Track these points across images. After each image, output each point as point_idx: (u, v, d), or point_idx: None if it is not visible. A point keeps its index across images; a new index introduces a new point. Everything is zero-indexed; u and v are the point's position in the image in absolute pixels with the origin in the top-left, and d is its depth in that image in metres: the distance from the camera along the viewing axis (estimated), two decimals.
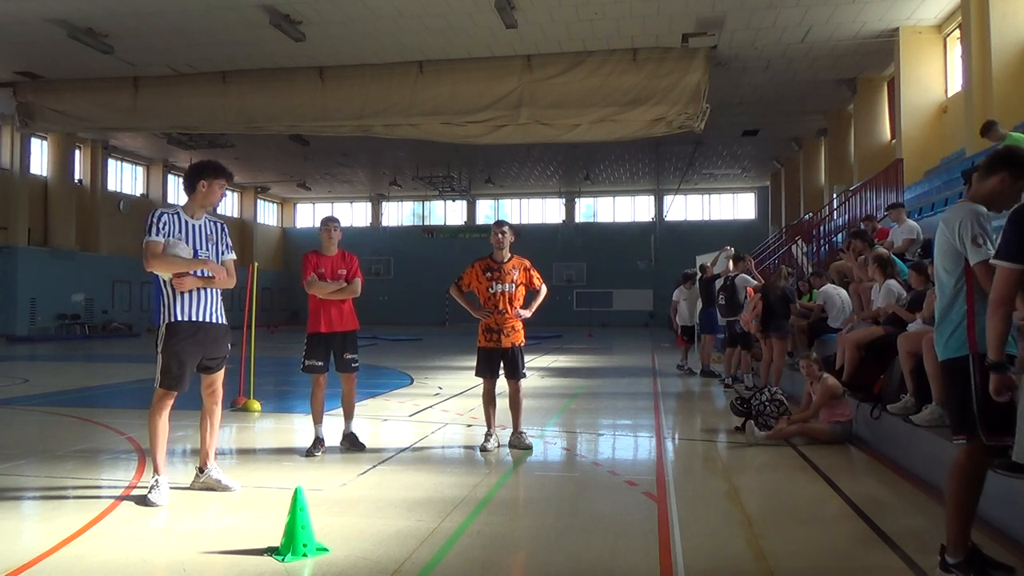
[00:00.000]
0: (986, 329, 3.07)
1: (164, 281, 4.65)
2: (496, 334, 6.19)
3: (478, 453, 6.12)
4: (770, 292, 9.45)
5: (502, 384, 6.34)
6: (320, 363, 6.12)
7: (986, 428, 3.12)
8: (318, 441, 6.05)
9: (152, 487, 4.52)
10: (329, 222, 6.29)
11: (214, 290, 4.78)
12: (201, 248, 4.71)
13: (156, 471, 4.60)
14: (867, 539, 3.94)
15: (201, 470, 4.85)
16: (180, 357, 4.60)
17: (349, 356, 6.20)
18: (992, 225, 3.23)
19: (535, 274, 6.37)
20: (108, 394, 10.64)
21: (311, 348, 6.14)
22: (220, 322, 4.81)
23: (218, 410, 4.91)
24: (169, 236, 4.60)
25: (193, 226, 4.73)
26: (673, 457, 6.21)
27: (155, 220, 4.62)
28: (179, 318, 4.61)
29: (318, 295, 6.09)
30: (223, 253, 4.85)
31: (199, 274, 4.67)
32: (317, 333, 6.12)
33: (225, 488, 4.76)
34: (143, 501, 4.46)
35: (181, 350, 4.60)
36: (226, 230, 4.97)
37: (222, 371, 4.91)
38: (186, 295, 4.63)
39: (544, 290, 6.44)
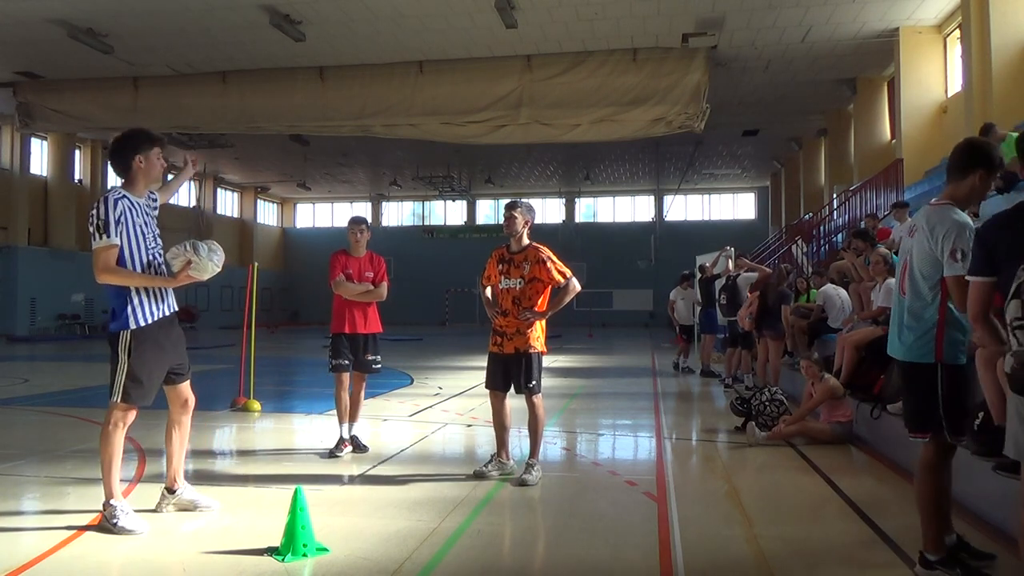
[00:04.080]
0: (978, 340, 3.21)
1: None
2: (500, 337, 5.30)
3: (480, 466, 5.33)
4: (769, 292, 9.46)
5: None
6: (346, 362, 6.11)
7: (952, 431, 3.26)
8: (342, 441, 6.01)
9: (118, 514, 3.92)
10: (356, 223, 6.16)
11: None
12: (148, 229, 4.11)
13: (111, 495, 3.97)
14: (867, 539, 3.95)
15: (171, 490, 4.29)
16: (149, 366, 4.01)
17: (371, 357, 6.20)
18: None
19: (554, 266, 5.28)
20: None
21: (335, 348, 6.12)
22: (175, 310, 4.23)
23: (188, 421, 4.37)
24: (131, 232, 3.97)
25: (144, 208, 4.12)
26: (673, 457, 6.20)
27: (110, 209, 3.90)
28: (149, 320, 4.01)
29: (344, 296, 6.06)
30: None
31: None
32: (340, 334, 6.11)
33: (206, 507, 4.29)
34: (114, 529, 3.87)
35: (152, 358, 4.01)
36: (157, 199, 4.33)
37: (188, 379, 4.33)
38: (151, 290, 4.04)
39: (574, 286, 5.29)
